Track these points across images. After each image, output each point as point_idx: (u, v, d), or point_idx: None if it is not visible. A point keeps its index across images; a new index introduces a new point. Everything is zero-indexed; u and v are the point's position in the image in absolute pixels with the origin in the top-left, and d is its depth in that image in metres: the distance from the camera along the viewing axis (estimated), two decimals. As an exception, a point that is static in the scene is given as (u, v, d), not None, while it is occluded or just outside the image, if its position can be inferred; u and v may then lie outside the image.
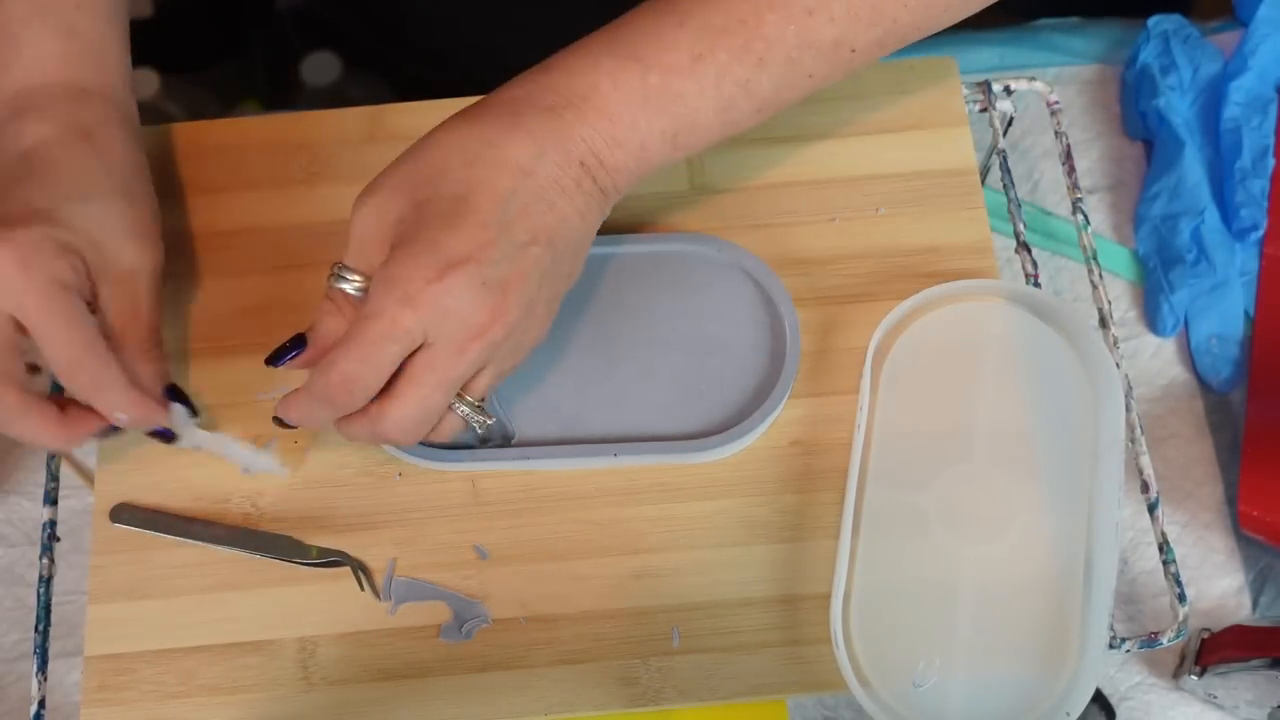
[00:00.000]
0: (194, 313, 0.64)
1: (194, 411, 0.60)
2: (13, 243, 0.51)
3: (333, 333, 0.54)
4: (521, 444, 0.60)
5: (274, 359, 0.56)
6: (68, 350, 0.53)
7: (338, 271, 0.54)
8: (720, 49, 0.53)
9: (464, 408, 0.55)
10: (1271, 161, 0.79)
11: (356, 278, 0.54)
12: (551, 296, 0.55)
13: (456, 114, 0.55)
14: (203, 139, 0.68)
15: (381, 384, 0.52)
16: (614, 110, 0.53)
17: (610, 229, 0.64)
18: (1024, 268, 0.66)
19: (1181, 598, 0.59)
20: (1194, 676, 0.68)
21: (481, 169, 0.52)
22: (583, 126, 0.53)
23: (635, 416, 0.61)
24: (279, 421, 0.56)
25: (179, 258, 0.64)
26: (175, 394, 0.59)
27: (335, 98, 0.86)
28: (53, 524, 0.61)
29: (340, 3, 0.82)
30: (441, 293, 0.50)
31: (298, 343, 0.55)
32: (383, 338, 0.51)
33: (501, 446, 0.60)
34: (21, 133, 0.56)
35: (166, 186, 0.66)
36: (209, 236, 0.66)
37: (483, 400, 0.55)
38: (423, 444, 0.59)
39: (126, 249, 0.56)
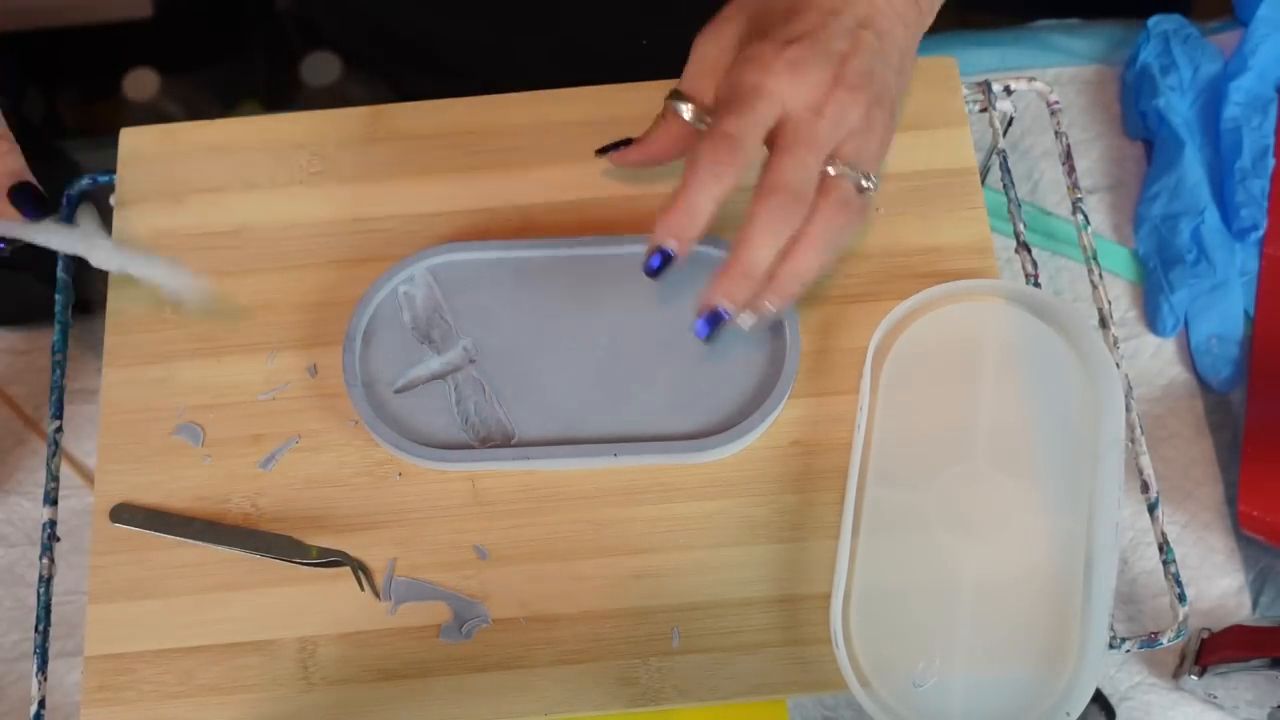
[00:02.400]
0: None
1: (44, 211, 0.58)
2: None
3: (660, 140, 0.59)
4: (521, 444, 0.60)
5: (604, 150, 0.62)
6: None
7: (674, 94, 0.59)
8: None
9: (848, 171, 0.56)
10: (1271, 161, 0.79)
11: (689, 104, 0.58)
12: (886, 82, 0.57)
13: None
14: (203, 139, 0.68)
15: (758, 144, 0.54)
16: None
17: (610, 229, 0.64)
18: (1024, 268, 0.66)
19: (1181, 598, 0.59)
20: (1194, 676, 0.68)
21: None
22: None
23: (635, 416, 0.60)
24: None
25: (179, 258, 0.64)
26: (27, 196, 0.57)
27: (335, 98, 0.86)
28: (53, 524, 0.61)
29: (333, 7, 0.82)
30: (791, 58, 0.54)
31: (627, 142, 0.61)
32: (751, 95, 0.54)
33: (501, 446, 0.60)
34: None
35: (167, 186, 0.66)
36: (209, 236, 0.66)
37: (868, 172, 0.56)
38: (423, 445, 0.59)
39: None
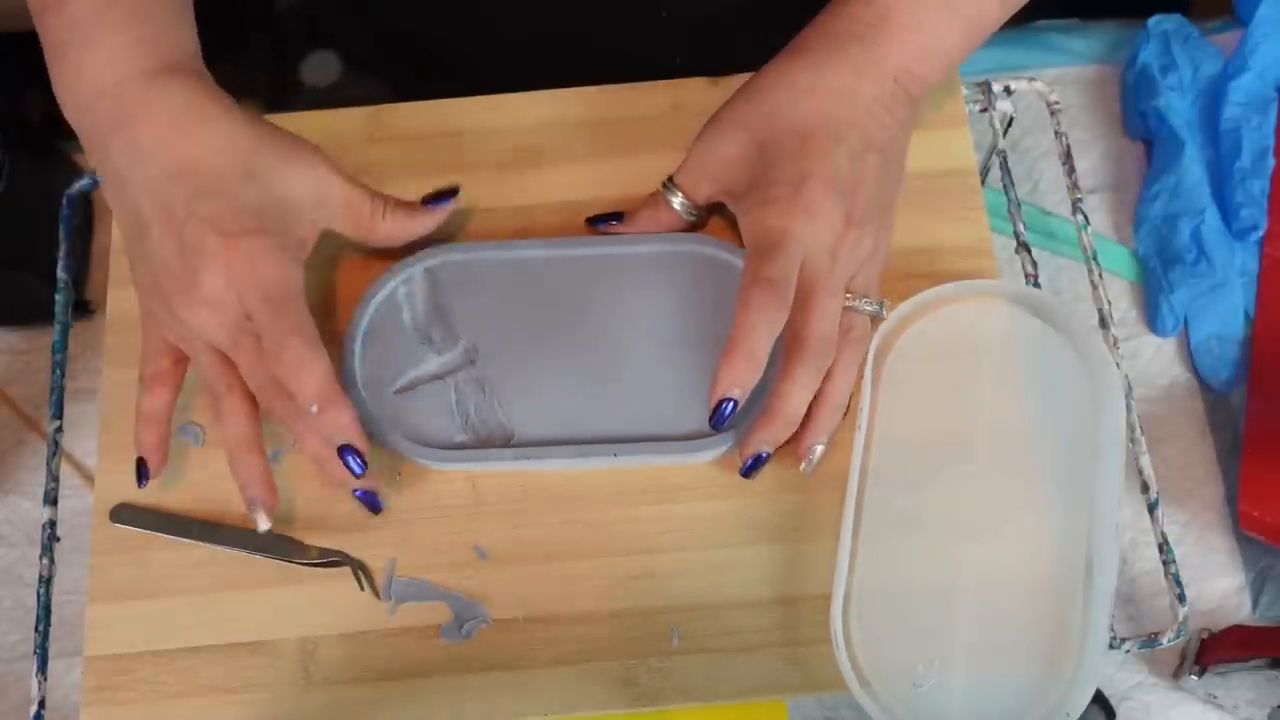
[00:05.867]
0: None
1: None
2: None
3: (648, 223, 0.63)
4: (521, 444, 0.60)
5: (594, 220, 0.64)
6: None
7: (668, 183, 0.62)
8: None
9: (863, 304, 0.60)
10: (1271, 161, 0.79)
11: (680, 194, 0.62)
12: (889, 202, 0.60)
13: (779, 55, 0.60)
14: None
15: (792, 287, 0.56)
16: (915, 23, 0.59)
17: (610, 230, 0.64)
18: (1024, 268, 0.66)
19: (1181, 598, 0.59)
20: (1194, 676, 0.68)
21: (810, 101, 0.58)
22: (890, 44, 0.59)
23: (635, 416, 0.60)
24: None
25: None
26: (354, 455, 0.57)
27: (335, 98, 0.86)
28: (53, 524, 0.61)
29: (335, 7, 0.82)
30: (805, 203, 0.57)
31: (618, 216, 0.63)
32: (781, 240, 0.56)
33: (501, 447, 0.60)
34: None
35: (166, 186, 0.66)
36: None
37: (876, 300, 0.60)
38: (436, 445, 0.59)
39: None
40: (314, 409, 0.54)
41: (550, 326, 0.62)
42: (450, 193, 0.62)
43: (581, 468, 0.60)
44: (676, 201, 0.62)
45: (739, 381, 0.55)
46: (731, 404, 0.56)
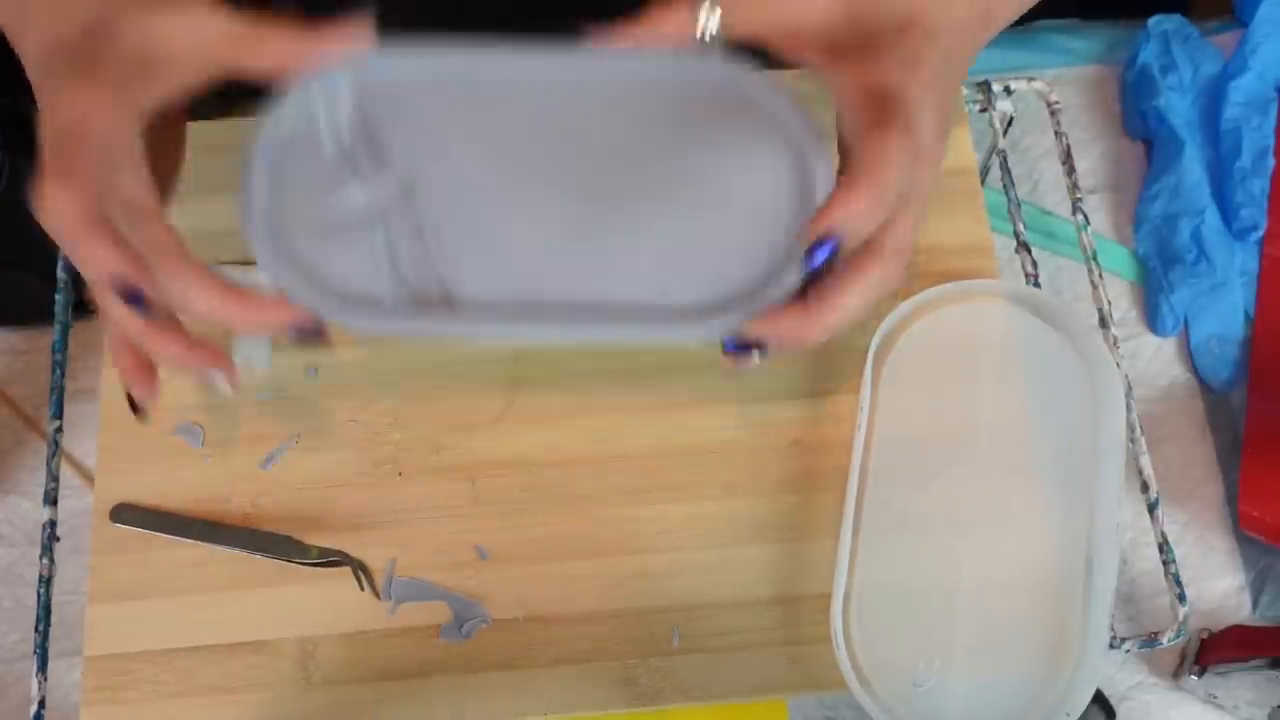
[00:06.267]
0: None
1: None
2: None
3: (660, 26, 0.47)
4: (466, 308, 0.47)
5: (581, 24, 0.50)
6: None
7: None
8: None
9: None
10: (1271, 161, 0.79)
11: (714, 10, 0.48)
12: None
13: None
14: (203, 139, 0.68)
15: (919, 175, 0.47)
16: None
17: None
18: (1024, 268, 0.66)
19: (1181, 598, 0.59)
20: (1194, 676, 0.68)
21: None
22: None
23: (615, 281, 0.48)
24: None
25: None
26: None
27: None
28: (53, 524, 0.61)
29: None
30: (921, 79, 0.47)
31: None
32: (909, 107, 0.46)
33: (441, 310, 0.47)
34: None
35: (166, 186, 0.66)
36: (209, 237, 0.65)
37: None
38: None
39: None
40: (224, 320, 0.47)
41: (514, 160, 0.49)
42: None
43: (538, 342, 0.50)
44: (704, 13, 0.48)
45: (857, 222, 0.45)
46: (833, 245, 0.45)
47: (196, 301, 0.47)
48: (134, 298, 0.47)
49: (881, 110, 0.46)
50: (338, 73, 0.49)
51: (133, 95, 0.48)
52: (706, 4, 0.48)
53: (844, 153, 0.50)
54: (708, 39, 0.48)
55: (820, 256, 0.45)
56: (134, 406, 0.54)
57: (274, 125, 0.49)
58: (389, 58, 0.50)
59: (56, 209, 0.46)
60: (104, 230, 0.46)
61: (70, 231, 0.46)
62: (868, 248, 0.48)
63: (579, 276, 0.48)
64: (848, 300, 0.47)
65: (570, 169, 0.49)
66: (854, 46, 0.48)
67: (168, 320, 0.49)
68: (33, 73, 0.50)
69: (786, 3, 0.49)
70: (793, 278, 0.48)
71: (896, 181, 0.46)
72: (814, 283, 0.47)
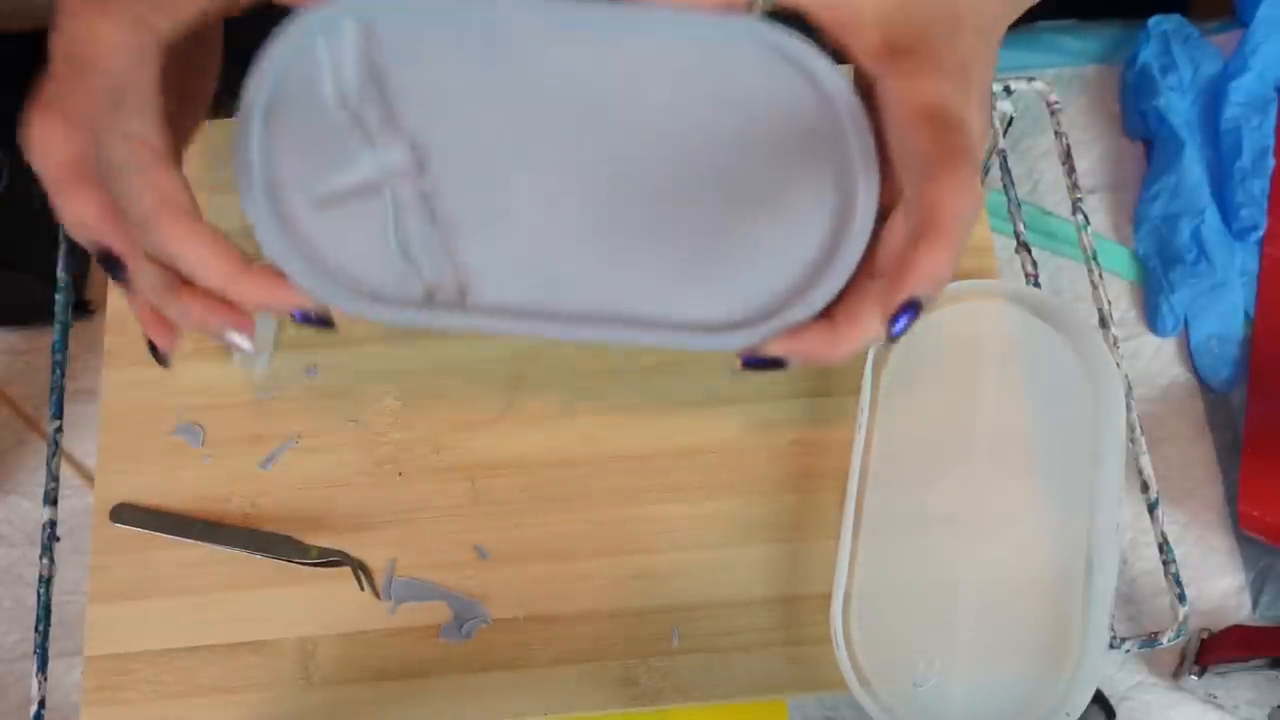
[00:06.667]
0: (194, 313, 0.64)
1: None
2: None
3: None
4: (480, 306, 0.44)
5: None
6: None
7: None
8: None
9: None
10: (1271, 161, 0.79)
11: None
12: None
13: None
14: (203, 139, 0.68)
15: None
16: None
17: None
18: (1024, 268, 0.66)
19: (1181, 598, 0.59)
20: (1194, 676, 0.68)
21: None
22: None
23: (638, 283, 0.44)
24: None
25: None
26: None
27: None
28: (53, 524, 0.61)
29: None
30: (968, 88, 0.43)
31: None
32: (964, 123, 0.43)
33: (453, 305, 0.44)
34: None
35: (166, 186, 0.66)
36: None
37: None
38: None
39: None
40: (228, 290, 0.44)
41: (533, 131, 0.44)
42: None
43: (559, 338, 0.45)
44: None
45: (937, 277, 0.41)
46: (915, 310, 0.42)
47: (198, 269, 0.43)
48: (112, 265, 0.44)
49: (944, 142, 0.43)
50: (340, 10, 0.44)
51: (151, 21, 0.43)
52: None
53: (896, 170, 0.45)
54: (754, 5, 0.45)
55: (902, 325, 0.42)
56: (156, 355, 0.48)
57: (269, 73, 0.44)
58: None
59: (46, 148, 0.42)
60: (90, 182, 0.42)
61: (54, 175, 0.42)
62: (917, 228, 0.43)
63: (599, 278, 0.44)
64: (877, 322, 0.44)
65: (597, 149, 0.45)
66: (907, 46, 0.44)
67: (173, 280, 0.45)
68: None
69: None
70: (821, 299, 0.44)
71: (968, 218, 0.42)
72: (840, 300, 0.45)
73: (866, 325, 0.44)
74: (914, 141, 0.43)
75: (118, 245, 0.43)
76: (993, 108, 0.69)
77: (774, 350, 0.45)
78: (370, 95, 0.44)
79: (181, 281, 0.45)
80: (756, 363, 0.45)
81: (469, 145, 0.44)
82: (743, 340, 0.44)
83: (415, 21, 0.44)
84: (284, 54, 0.44)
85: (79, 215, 0.43)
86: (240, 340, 0.45)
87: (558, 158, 0.44)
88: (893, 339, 0.43)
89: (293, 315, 0.45)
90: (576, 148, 0.45)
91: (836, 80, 0.45)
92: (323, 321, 0.45)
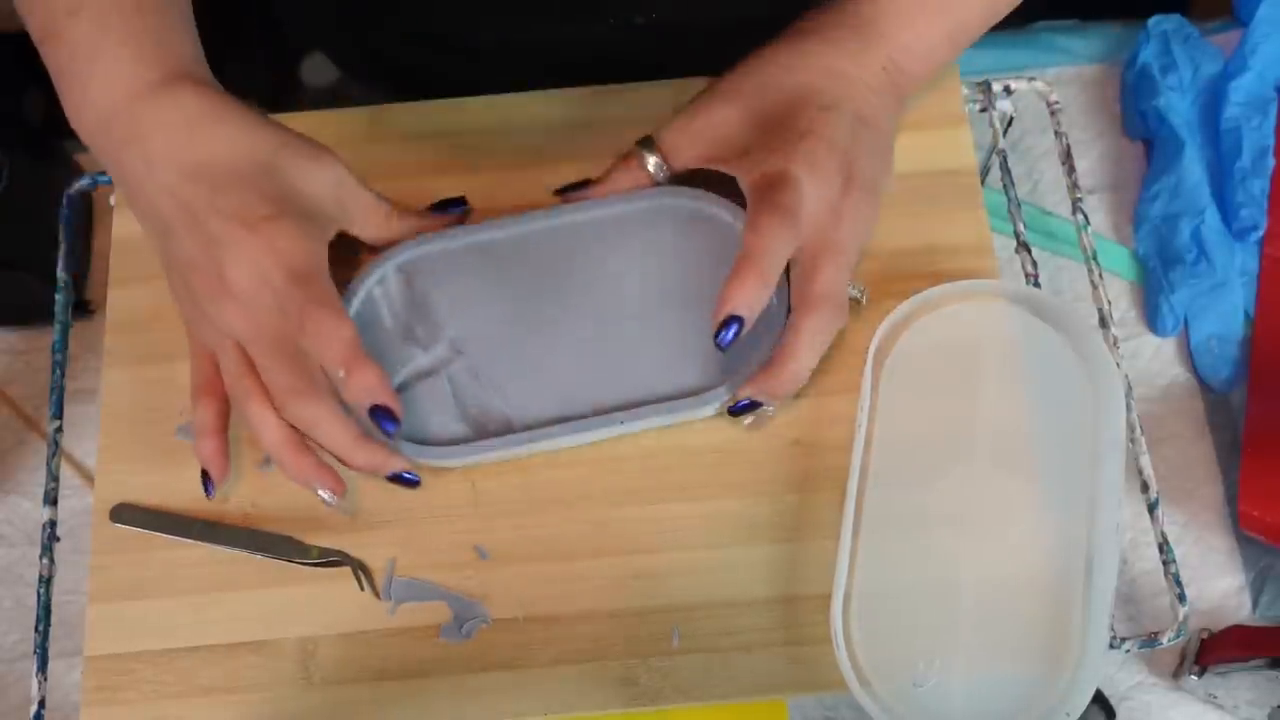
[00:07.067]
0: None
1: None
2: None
3: (620, 185, 0.62)
4: (523, 428, 0.59)
5: (562, 190, 0.63)
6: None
7: (646, 143, 0.62)
8: None
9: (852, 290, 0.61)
10: (1271, 161, 0.79)
11: (657, 156, 0.62)
12: (879, 184, 0.60)
13: (773, 41, 0.61)
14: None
15: (801, 219, 0.57)
16: (902, 19, 0.61)
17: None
18: (1024, 268, 0.66)
19: (1181, 598, 0.59)
20: (1194, 676, 0.68)
21: (804, 75, 0.59)
22: (879, 37, 0.60)
23: (635, 381, 0.60)
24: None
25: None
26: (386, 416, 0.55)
27: (335, 98, 0.86)
28: (53, 524, 0.61)
29: (330, 39, 0.83)
30: (806, 150, 0.57)
31: (585, 183, 0.63)
32: (787, 179, 0.57)
33: (503, 434, 0.59)
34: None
35: (166, 186, 0.66)
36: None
37: (857, 285, 0.62)
38: (420, 442, 0.59)
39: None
40: (340, 374, 0.53)
41: (535, 303, 0.61)
42: (458, 202, 0.64)
43: (589, 440, 0.59)
44: (652, 163, 0.62)
45: (747, 301, 0.55)
46: (737, 324, 0.55)
47: (327, 437, 0.54)
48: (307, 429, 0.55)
49: (765, 194, 0.56)
50: (386, 262, 0.62)
51: (321, 227, 0.56)
52: (648, 154, 0.62)
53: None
54: (659, 179, 0.62)
55: (728, 336, 0.56)
56: (207, 486, 0.58)
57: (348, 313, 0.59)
58: (423, 243, 0.62)
59: (328, 336, 0.53)
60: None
61: (335, 358, 0.54)
62: (798, 303, 0.57)
63: (604, 384, 0.60)
64: (799, 351, 0.57)
65: (580, 298, 0.61)
66: (757, 144, 0.59)
67: (300, 440, 0.55)
68: (159, 182, 0.54)
69: (706, 132, 0.60)
70: (766, 350, 0.59)
71: (776, 253, 0.56)
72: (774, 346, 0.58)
73: (792, 357, 0.57)
74: (750, 206, 0.57)
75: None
76: (991, 106, 0.69)
77: (745, 396, 0.58)
78: (415, 313, 0.61)
79: (305, 442, 0.55)
80: (740, 408, 0.58)
81: (492, 325, 0.61)
82: (721, 396, 0.59)
83: (436, 256, 0.62)
84: (349, 300, 0.61)
85: (368, 382, 0.54)
86: (328, 496, 0.56)
87: (555, 315, 0.61)
88: (722, 349, 0.56)
89: (391, 477, 0.57)
90: (566, 304, 0.61)
91: (726, 208, 0.62)
92: (415, 482, 0.57)
